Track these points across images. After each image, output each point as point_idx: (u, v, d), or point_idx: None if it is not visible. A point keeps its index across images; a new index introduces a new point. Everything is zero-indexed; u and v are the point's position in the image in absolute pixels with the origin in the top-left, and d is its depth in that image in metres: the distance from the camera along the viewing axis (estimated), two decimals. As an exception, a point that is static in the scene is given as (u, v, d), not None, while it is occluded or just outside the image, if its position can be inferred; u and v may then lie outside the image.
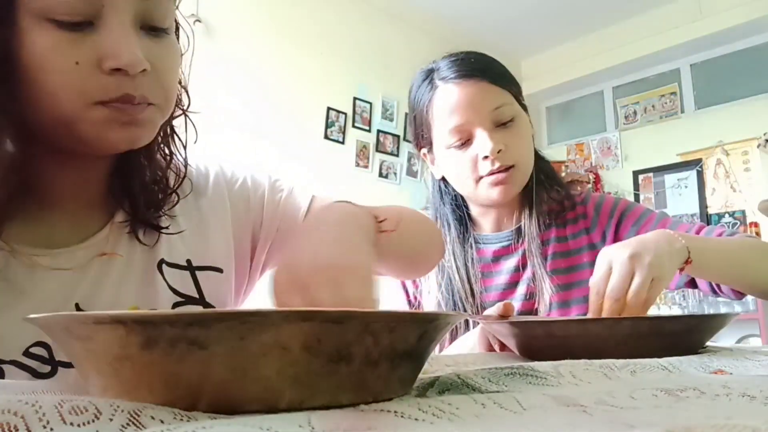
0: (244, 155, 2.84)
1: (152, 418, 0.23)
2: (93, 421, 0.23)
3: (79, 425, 0.22)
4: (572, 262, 0.96)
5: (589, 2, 3.94)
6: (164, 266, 0.63)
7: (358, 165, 3.71)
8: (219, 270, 0.65)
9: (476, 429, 0.23)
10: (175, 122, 0.64)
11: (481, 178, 0.93)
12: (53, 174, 0.57)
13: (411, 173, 3.94)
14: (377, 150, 3.81)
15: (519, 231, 0.99)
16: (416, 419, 0.25)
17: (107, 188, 0.62)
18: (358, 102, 3.80)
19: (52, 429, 0.22)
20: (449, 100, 0.93)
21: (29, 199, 0.56)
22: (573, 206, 1.00)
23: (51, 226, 0.58)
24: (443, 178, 1.03)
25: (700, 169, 3.96)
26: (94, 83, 0.49)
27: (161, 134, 0.62)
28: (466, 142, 0.93)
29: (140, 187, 0.61)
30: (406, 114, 4.12)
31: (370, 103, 3.87)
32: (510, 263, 0.99)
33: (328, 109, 3.63)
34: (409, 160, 3.93)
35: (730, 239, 0.87)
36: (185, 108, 0.64)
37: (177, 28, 0.62)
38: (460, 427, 0.24)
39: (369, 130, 3.83)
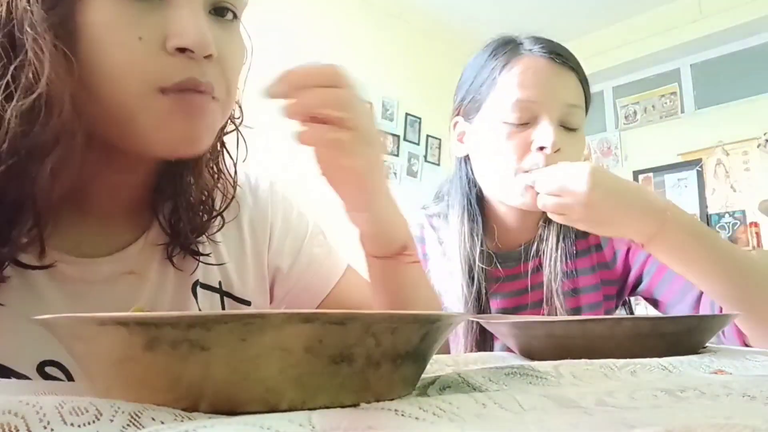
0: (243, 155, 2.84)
1: (153, 419, 0.23)
2: (94, 421, 0.23)
3: (79, 426, 0.22)
4: (578, 283, 0.88)
5: (589, 2, 3.94)
6: (199, 288, 0.58)
7: (358, 165, 3.71)
8: (247, 303, 0.62)
9: (477, 429, 0.23)
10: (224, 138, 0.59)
11: (523, 171, 0.80)
12: (90, 175, 0.51)
13: (411, 173, 3.94)
14: (377, 150, 3.81)
15: (527, 251, 0.90)
16: (417, 418, 0.25)
17: (145, 199, 0.57)
18: (358, 102, 3.79)
19: (52, 429, 0.22)
20: (533, 71, 0.82)
21: (63, 201, 0.50)
22: None
23: (80, 232, 0.53)
24: (465, 160, 0.91)
25: (700, 169, 3.96)
26: (157, 63, 0.44)
27: (211, 149, 0.56)
28: (525, 123, 0.82)
29: (185, 208, 0.56)
30: (406, 114, 4.12)
31: (370, 103, 3.87)
32: (516, 285, 0.90)
33: (328, 109, 3.62)
34: (409, 160, 3.93)
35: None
36: (239, 123, 0.60)
37: None
38: (460, 426, 0.24)
39: (369, 130, 3.83)
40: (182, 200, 0.56)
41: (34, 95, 0.41)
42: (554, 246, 0.88)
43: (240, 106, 0.60)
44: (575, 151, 0.83)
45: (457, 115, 0.92)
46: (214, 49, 0.46)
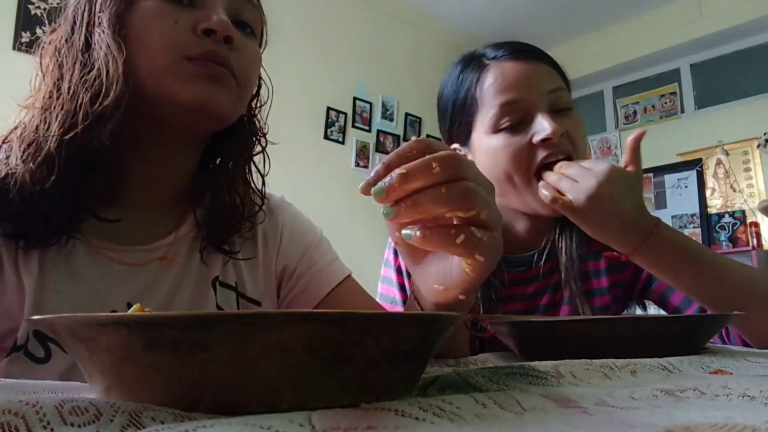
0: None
1: (153, 419, 0.23)
2: (93, 421, 0.23)
3: (79, 426, 0.22)
4: (591, 285, 0.87)
5: (589, 2, 3.94)
6: (218, 284, 0.65)
7: (358, 165, 3.71)
8: (258, 303, 0.68)
9: (477, 429, 0.23)
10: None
11: (537, 169, 0.78)
12: (132, 168, 0.61)
13: (411, 173, 3.93)
14: (377, 150, 3.81)
15: (538, 254, 0.89)
16: (417, 418, 0.25)
17: (180, 199, 0.66)
18: (358, 102, 3.80)
19: (52, 429, 0.22)
20: (504, 76, 0.82)
21: (105, 191, 0.60)
22: None
23: (121, 225, 0.61)
24: None
25: (700, 169, 3.96)
26: (187, 40, 0.56)
27: (241, 167, 0.68)
28: (519, 124, 0.80)
29: (219, 210, 0.66)
30: (406, 114, 4.13)
31: (370, 103, 3.87)
32: (527, 289, 0.89)
33: (328, 109, 3.63)
34: (409, 160, 3.93)
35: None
36: (264, 146, 0.70)
37: (259, 84, 0.69)
38: (460, 426, 0.24)
39: (369, 130, 3.84)
40: (217, 203, 0.66)
41: (96, 73, 0.55)
42: (572, 248, 0.87)
43: (263, 133, 0.71)
44: (577, 131, 0.82)
45: (452, 143, 0.92)
46: (235, 32, 0.58)
